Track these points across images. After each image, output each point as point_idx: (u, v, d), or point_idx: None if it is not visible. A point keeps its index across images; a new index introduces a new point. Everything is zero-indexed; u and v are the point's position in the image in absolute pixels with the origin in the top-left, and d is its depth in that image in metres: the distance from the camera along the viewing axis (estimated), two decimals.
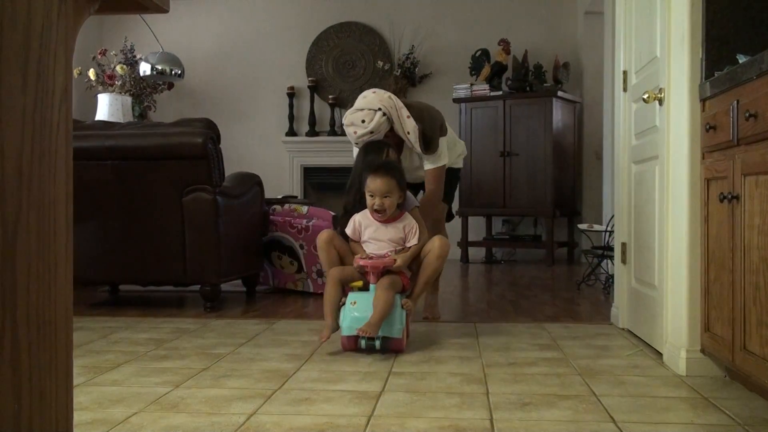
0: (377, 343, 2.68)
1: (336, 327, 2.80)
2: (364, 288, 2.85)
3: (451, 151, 3.54)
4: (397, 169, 2.94)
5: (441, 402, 2.08)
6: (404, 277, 2.91)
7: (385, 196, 2.86)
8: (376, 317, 2.65)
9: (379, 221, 2.94)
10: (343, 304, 2.81)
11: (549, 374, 2.42)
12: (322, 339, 2.77)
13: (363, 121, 3.10)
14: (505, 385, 2.27)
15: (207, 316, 3.66)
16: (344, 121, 3.19)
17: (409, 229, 2.95)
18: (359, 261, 2.83)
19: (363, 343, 2.70)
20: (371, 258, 2.87)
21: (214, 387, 2.27)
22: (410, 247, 2.94)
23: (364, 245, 2.97)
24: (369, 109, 3.12)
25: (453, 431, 1.82)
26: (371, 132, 3.10)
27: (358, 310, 2.73)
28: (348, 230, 2.99)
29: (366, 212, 2.96)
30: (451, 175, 3.60)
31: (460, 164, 3.77)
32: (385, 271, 2.83)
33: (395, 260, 2.84)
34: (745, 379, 2.18)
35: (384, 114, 3.12)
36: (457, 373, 2.44)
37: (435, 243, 2.96)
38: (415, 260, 2.99)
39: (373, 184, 2.86)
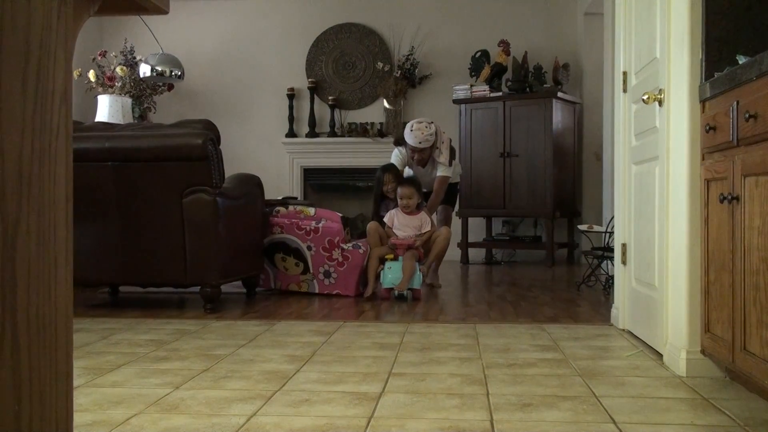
0: (406, 294, 4.29)
1: (376, 286, 4.42)
2: (395, 259, 4.39)
3: (454, 170, 5.20)
4: (416, 182, 4.77)
5: (441, 403, 2.08)
6: (420, 253, 4.53)
7: (410, 198, 4.62)
8: (406, 277, 4.26)
9: (406, 213, 4.65)
10: (382, 269, 4.39)
11: (549, 375, 2.42)
12: (367, 294, 4.35)
13: (426, 127, 4.89)
14: (506, 386, 2.27)
15: (207, 318, 3.66)
16: (410, 128, 4.94)
17: (424, 220, 4.67)
18: (393, 240, 4.49)
19: (397, 293, 4.25)
20: (400, 239, 4.49)
21: (214, 388, 2.27)
22: (425, 233, 4.62)
23: (395, 230, 4.62)
24: (426, 121, 5.00)
25: None
26: (431, 134, 4.90)
27: (392, 273, 4.32)
28: (386, 219, 4.67)
29: (398, 209, 4.69)
30: (452, 188, 5.28)
31: (458, 179, 5.48)
32: (408, 248, 4.42)
33: (416, 241, 4.49)
34: (745, 380, 2.18)
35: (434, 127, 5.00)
36: (458, 374, 2.44)
37: (442, 231, 4.75)
38: (428, 242, 4.64)
39: (402, 190, 4.64)
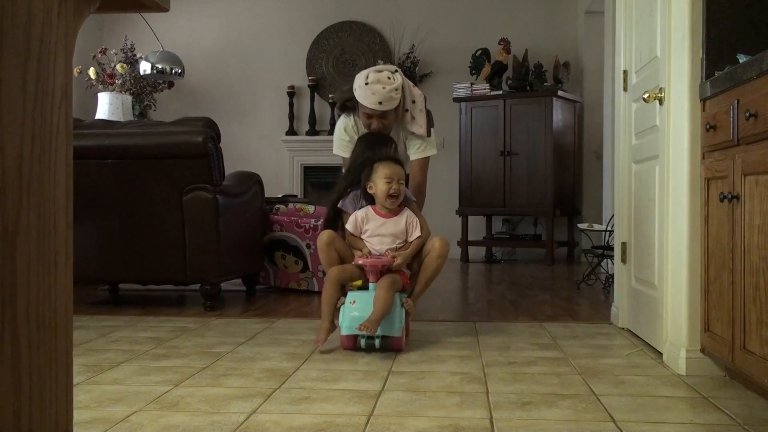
0: (377, 342, 2.69)
1: (333, 329, 2.83)
2: (364, 287, 2.86)
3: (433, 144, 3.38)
4: (402, 162, 3.02)
5: (441, 401, 2.08)
6: (404, 276, 2.93)
7: (400, 182, 2.90)
8: (376, 315, 2.65)
9: (382, 214, 2.94)
10: (343, 303, 2.81)
11: (549, 374, 2.42)
12: (317, 343, 2.77)
13: (389, 78, 3.06)
14: (505, 384, 2.28)
15: (207, 315, 3.66)
16: (364, 80, 3.05)
17: (410, 222, 2.95)
18: (358, 260, 2.83)
19: (363, 342, 2.72)
20: (372, 257, 2.86)
21: (214, 386, 2.27)
22: (412, 242, 2.95)
23: (367, 241, 2.95)
24: (388, 70, 3.12)
25: (453, 430, 1.82)
26: (396, 89, 3.06)
27: (357, 309, 2.73)
28: (349, 225, 2.96)
29: (368, 208, 2.97)
30: None
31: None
32: (384, 270, 2.84)
33: (395, 258, 2.86)
34: (745, 379, 2.18)
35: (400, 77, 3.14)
36: (457, 372, 2.44)
37: (435, 243, 2.94)
38: (416, 258, 2.99)
39: (390, 169, 2.89)
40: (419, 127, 3.24)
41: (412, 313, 2.93)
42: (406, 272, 2.97)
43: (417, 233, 2.95)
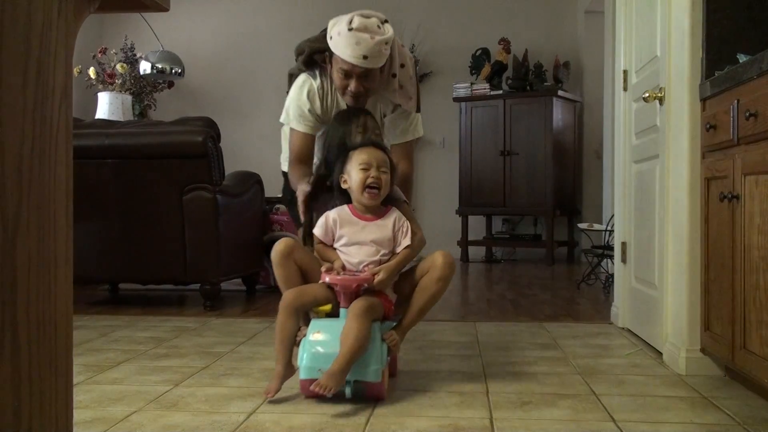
0: (347, 391, 2.01)
1: (290, 373, 2.13)
2: (334, 313, 2.14)
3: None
4: (386, 148, 2.31)
5: (441, 401, 2.08)
6: (386, 300, 2.19)
7: (382, 170, 2.17)
8: (343, 360, 1.93)
9: (360, 216, 2.21)
10: (304, 335, 2.10)
11: (549, 373, 2.42)
12: (268, 394, 2.06)
13: (378, 28, 2.33)
14: (505, 384, 2.27)
15: (207, 315, 3.66)
16: (347, 26, 2.31)
17: (399, 226, 2.21)
18: (325, 277, 2.09)
19: (329, 392, 1.93)
20: (343, 272, 2.13)
21: (214, 386, 2.27)
22: (401, 253, 2.20)
23: (342, 252, 2.21)
24: (377, 17, 2.37)
25: (453, 430, 1.82)
26: (387, 43, 2.33)
27: (322, 344, 2.02)
28: (317, 231, 2.23)
29: (344, 208, 2.23)
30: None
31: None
32: (360, 291, 2.11)
33: (375, 275, 2.11)
34: (745, 379, 2.18)
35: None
36: (457, 371, 2.44)
37: (437, 260, 2.19)
38: (407, 279, 2.28)
39: (366, 154, 2.17)
40: (408, 99, 2.54)
41: (396, 350, 2.19)
42: (390, 296, 2.26)
43: (407, 242, 2.20)
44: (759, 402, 2.07)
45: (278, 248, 2.18)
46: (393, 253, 2.22)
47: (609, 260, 4.49)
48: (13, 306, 0.82)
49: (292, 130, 2.52)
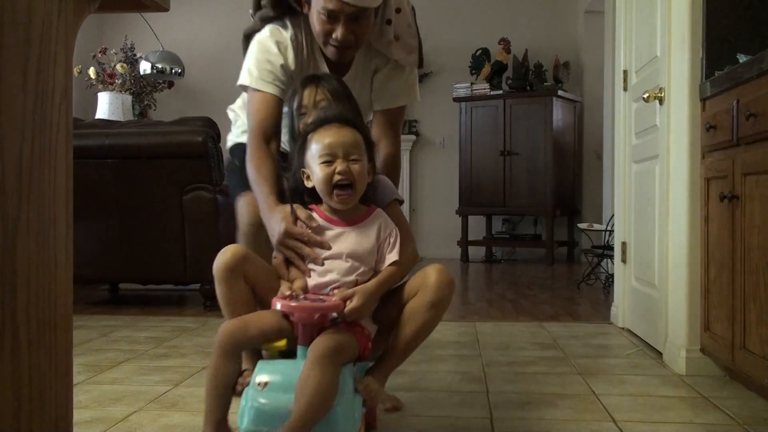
0: None
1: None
2: (284, 352, 1.51)
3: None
4: (359, 116, 1.73)
5: (441, 401, 2.08)
6: (362, 334, 1.54)
7: (352, 159, 1.57)
8: (299, 421, 1.36)
9: (336, 222, 1.61)
10: (247, 384, 1.48)
11: (549, 373, 2.42)
12: None
13: None
14: (505, 384, 2.27)
15: (207, 315, 3.66)
16: None
17: (385, 236, 1.62)
18: (277, 301, 1.48)
19: None
20: (304, 296, 1.52)
21: None
22: (386, 270, 1.60)
23: (309, 267, 1.60)
24: None
25: (453, 430, 1.82)
26: None
27: (271, 397, 1.42)
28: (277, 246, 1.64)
29: (312, 208, 1.64)
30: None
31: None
32: (328, 323, 1.51)
33: (347, 301, 1.50)
34: (745, 379, 2.18)
35: None
36: (457, 371, 2.43)
37: (430, 278, 1.60)
38: (391, 302, 1.63)
39: (328, 137, 1.57)
40: (407, 53, 2.00)
41: (376, 400, 1.60)
42: (368, 328, 1.60)
43: (394, 257, 1.60)
44: (759, 402, 2.07)
45: (222, 259, 1.58)
46: (375, 272, 1.60)
47: (609, 260, 4.49)
48: (13, 306, 0.82)
49: (254, 94, 1.87)
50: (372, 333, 1.62)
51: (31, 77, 0.83)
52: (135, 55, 6.76)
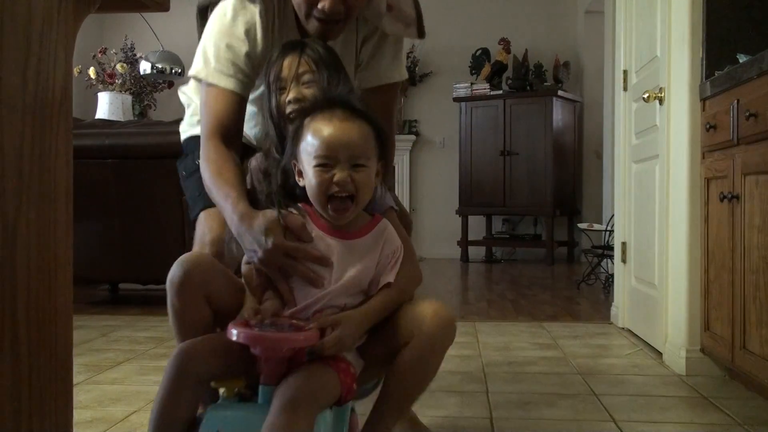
0: None
1: None
2: (241, 395, 1.19)
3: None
4: (367, 113, 1.29)
5: (441, 401, 2.08)
6: (345, 371, 1.20)
7: (357, 165, 1.24)
8: None
9: (329, 231, 1.28)
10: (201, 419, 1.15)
11: (549, 373, 2.42)
12: None
13: None
14: (505, 384, 2.27)
15: None
16: None
17: (389, 252, 1.31)
18: (233, 328, 1.14)
19: None
20: (271, 322, 1.18)
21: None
22: (372, 297, 1.29)
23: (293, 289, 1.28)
24: None
25: (453, 430, 1.82)
26: None
27: None
28: (246, 264, 1.37)
29: (300, 209, 1.30)
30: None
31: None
32: (305, 356, 1.18)
33: (325, 330, 1.19)
34: (745, 379, 2.18)
35: None
36: (457, 371, 2.43)
37: (426, 319, 1.32)
38: (384, 338, 1.31)
39: (328, 131, 1.23)
40: (405, 25, 1.66)
41: None
42: (354, 364, 1.26)
43: (389, 277, 1.29)
44: (759, 402, 2.07)
45: (180, 271, 1.33)
46: (367, 295, 1.29)
47: (609, 260, 4.49)
48: (12, 305, 0.82)
49: (210, 87, 1.53)
50: (358, 370, 1.26)
51: (31, 78, 0.83)
52: (135, 55, 6.76)
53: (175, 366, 1.17)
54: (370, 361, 1.32)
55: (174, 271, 1.31)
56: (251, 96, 1.58)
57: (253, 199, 1.39)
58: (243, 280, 1.34)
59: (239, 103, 1.54)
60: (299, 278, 1.26)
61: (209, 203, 1.51)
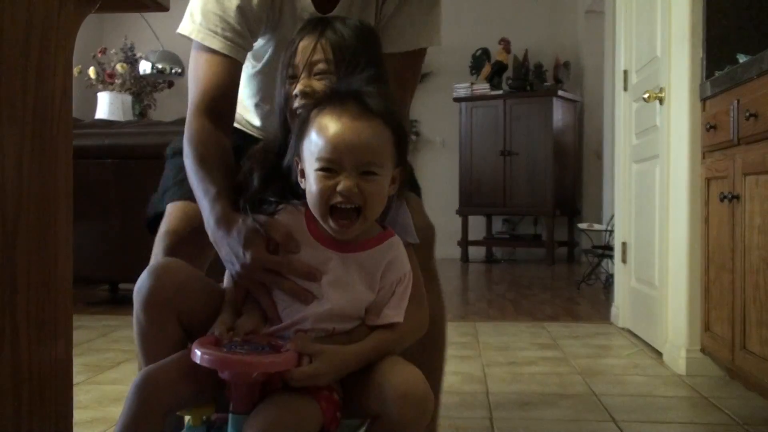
0: None
1: None
2: (218, 424, 1.07)
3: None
4: (387, 96, 1.09)
5: (441, 401, 2.08)
6: (326, 399, 1.03)
7: (367, 172, 1.04)
8: None
9: (326, 243, 1.09)
10: None
11: (549, 374, 2.42)
12: None
13: None
14: (505, 384, 2.27)
15: None
16: None
17: (396, 278, 1.10)
18: (197, 349, 0.98)
19: None
20: (243, 341, 1.02)
21: None
22: (371, 333, 1.09)
23: (281, 308, 1.09)
24: None
25: (453, 430, 1.82)
26: None
27: None
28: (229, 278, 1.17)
29: (297, 212, 1.11)
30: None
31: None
32: (279, 383, 1.02)
33: (304, 358, 1.01)
34: (745, 379, 2.18)
35: None
36: (457, 372, 2.43)
37: (394, 387, 1.01)
38: (367, 387, 1.05)
39: (334, 130, 1.03)
40: None
41: None
42: (336, 389, 1.07)
43: (394, 315, 1.09)
44: (759, 402, 2.07)
45: (149, 282, 1.12)
46: (360, 321, 1.10)
47: (609, 260, 4.49)
48: (12, 305, 0.82)
49: (198, 51, 1.32)
50: (338, 399, 1.06)
51: (31, 78, 0.83)
52: (135, 55, 6.76)
53: (138, 397, 0.99)
54: (352, 400, 1.08)
55: (143, 281, 1.11)
56: (258, 66, 1.36)
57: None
58: (224, 285, 1.15)
59: (231, 69, 1.30)
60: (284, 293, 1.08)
61: (184, 195, 1.31)
